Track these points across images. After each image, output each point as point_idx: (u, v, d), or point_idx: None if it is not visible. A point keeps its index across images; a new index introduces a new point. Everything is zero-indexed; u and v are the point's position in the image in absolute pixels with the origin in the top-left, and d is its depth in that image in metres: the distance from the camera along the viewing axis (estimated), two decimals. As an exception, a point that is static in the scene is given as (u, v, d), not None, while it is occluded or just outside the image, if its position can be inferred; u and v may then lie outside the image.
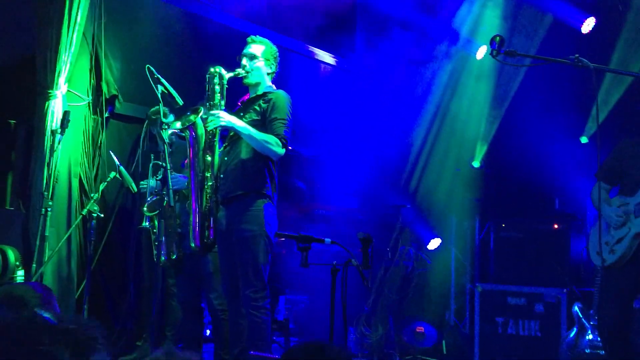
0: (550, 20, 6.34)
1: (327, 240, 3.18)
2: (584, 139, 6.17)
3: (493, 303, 5.35)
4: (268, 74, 3.98)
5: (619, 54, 5.68)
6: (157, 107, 4.70)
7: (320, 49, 7.26)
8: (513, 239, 5.71)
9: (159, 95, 3.61)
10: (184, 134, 3.75)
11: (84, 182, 5.08)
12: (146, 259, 4.96)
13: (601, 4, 6.21)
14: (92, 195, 4.64)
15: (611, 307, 3.78)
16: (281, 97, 3.86)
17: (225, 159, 3.86)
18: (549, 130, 6.11)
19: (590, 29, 6.12)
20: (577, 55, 2.75)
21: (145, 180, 4.70)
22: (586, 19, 6.13)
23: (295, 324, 6.23)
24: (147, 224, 4.42)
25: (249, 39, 4.01)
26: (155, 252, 4.45)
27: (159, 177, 3.62)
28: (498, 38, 2.74)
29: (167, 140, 3.66)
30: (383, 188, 6.56)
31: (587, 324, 4.59)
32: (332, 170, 6.81)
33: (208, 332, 5.34)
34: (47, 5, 4.73)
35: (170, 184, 3.53)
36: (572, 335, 4.66)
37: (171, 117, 4.63)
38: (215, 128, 3.71)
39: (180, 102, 3.76)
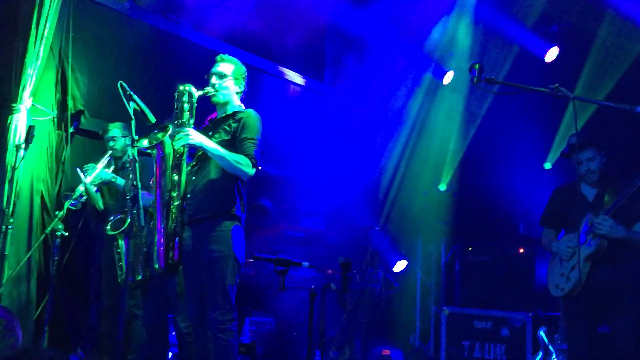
0: (517, 50, 6.49)
1: (305, 263, 3.15)
2: (547, 165, 6.31)
3: (459, 326, 5.37)
4: (237, 93, 3.95)
5: (584, 81, 5.84)
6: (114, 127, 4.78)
7: (290, 69, 7.28)
8: (479, 262, 5.77)
9: (131, 112, 3.54)
10: (150, 152, 3.67)
11: (46, 199, 4.94)
12: (106, 279, 4.83)
13: (565, 34, 6.39)
14: (57, 213, 4.51)
15: (578, 336, 3.95)
16: (252, 116, 3.83)
17: (193, 178, 3.79)
18: (514, 156, 6.23)
19: (554, 58, 6.30)
20: (557, 85, 2.81)
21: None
22: (550, 49, 6.32)
23: (261, 346, 6.14)
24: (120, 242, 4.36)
25: (218, 58, 3.98)
26: (119, 272, 4.35)
27: (129, 195, 3.53)
28: (477, 65, 2.79)
29: (136, 158, 3.57)
30: (352, 210, 6.57)
31: (552, 348, 4.64)
32: (302, 191, 6.79)
33: (170, 354, 5.21)
34: (14, 18, 4.62)
35: (141, 202, 3.45)
36: (537, 359, 4.69)
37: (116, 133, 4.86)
38: (184, 146, 3.64)
39: (153, 119, 3.69)
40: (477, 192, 6.57)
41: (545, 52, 6.32)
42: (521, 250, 5.58)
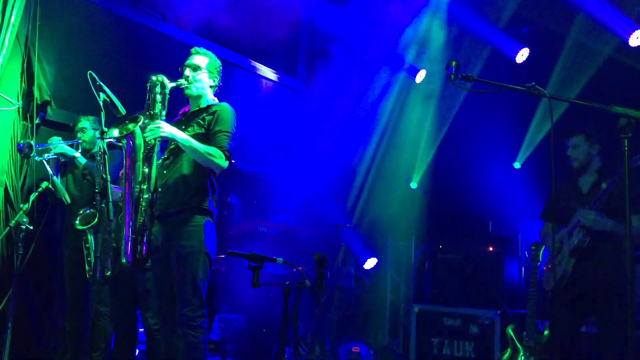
0: (489, 50, 6.55)
1: (279, 259, 3.11)
2: (517, 165, 6.38)
3: (429, 324, 5.40)
4: (211, 86, 3.88)
5: (554, 83, 5.92)
6: (84, 119, 4.70)
7: (263, 64, 7.22)
8: (449, 260, 5.80)
9: (101, 103, 3.44)
10: (120, 144, 3.58)
11: (10, 191, 4.79)
12: (69, 275, 4.71)
13: (535, 36, 6.48)
14: (21, 206, 4.37)
15: (559, 327, 4.01)
16: (226, 110, 3.77)
17: (165, 172, 3.72)
18: (485, 155, 6.29)
19: (524, 59, 6.38)
20: (533, 83, 2.82)
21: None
22: (520, 50, 6.40)
23: (231, 344, 6.08)
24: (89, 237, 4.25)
25: (192, 50, 3.91)
26: (87, 267, 4.24)
27: (97, 189, 3.44)
28: (454, 62, 2.78)
29: (106, 150, 3.48)
30: (324, 207, 6.55)
31: (519, 345, 4.69)
32: (274, 188, 6.74)
33: (137, 351, 5.12)
34: (-21, 4, 4.48)
35: (110, 196, 3.36)
36: (505, 356, 4.74)
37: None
38: (155, 139, 3.56)
39: (123, 110, 3.60)
40: (447, 190, 6.62)
41: (516, 53, 6.39)
42: (490, 249, 5.62)
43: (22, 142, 4.43)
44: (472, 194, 6.18)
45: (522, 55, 6.42)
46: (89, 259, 4.24)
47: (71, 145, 4.70)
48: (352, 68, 6.92)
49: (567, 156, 4.11)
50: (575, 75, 5.83)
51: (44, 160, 4.57)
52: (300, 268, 4.92)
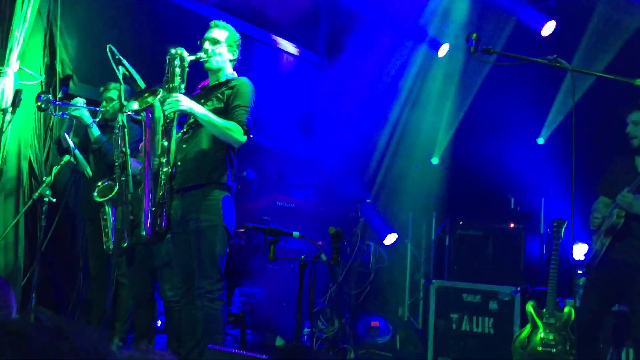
0: (514, 23, 6.41)
1: (296, 233, 3.11)
2: (540, 140, 6.28)
3: (448, 299, 5.39)
4: (230, 60, 3.87)
5: (579, 57, 5.78)
6: (114, 88, 4.61)
7: (284, 39, 7.17)
8: (469, 236, 5.75)
9: (120, 77, 3.45)
10: (139, 116, 3.59)
11: (34, 164, 4.86)
12: (91, 247, 4.78)
13: (562, 8, 6.32)
14: (44, 178, 4.43)
15: (587, 304, 4.03)
16: (245, 84, 3.76)
17: (184, 146, 3.73)
18: (508, 131, 6.19)
19: (551, 32, 6.23)
20: (555, 55, 2.75)
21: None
22: (547, 22, 6.24)
23: (250, 317, 6.15)
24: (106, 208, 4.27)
25: (212, 24, 3.89)
26: (105, 239, 4.29)
27: (117, 162, 3.46)
28: (475, 35, 2.74)
29: (125, 124, 3.50)
30: (344, 182, 6.53)
31: (539, 322, 4.67)
32: (293, 163, 6.74)
33: (159, 322, 5.21)
34: (1, -22, 4.51)
35: (129, 169, 3.38)
36: (524, 333, 4.72)
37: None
38: (174, 112, 3.56)
39: (142, 84, 3.61)
40: (469, 166, 6.53)
41: (542, 25, 6.24)
42: (511, 225, 5.56)
43: (43, 94, 4.38)
44: (494, 170, 6.10)
45: (549, 27, 6.26)
46: (106, 230, 4.29)
47: (92, 114, 4.65)
48: (373, 42, 6.83)
49: (627, 133, 3.99)
50: (602, 48, 5.68)
51: (64, 134, 4.60)
52: (320, 243, 4.95)
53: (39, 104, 4.31)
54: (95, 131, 4.59)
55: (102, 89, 4.80)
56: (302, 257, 2.95)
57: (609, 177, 4.22)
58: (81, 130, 4.76)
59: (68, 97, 5.24)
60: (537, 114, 6.20)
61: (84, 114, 4.55)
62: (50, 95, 4.41)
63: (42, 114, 4.92)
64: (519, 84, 6.16)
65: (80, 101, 4.57)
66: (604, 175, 4.29)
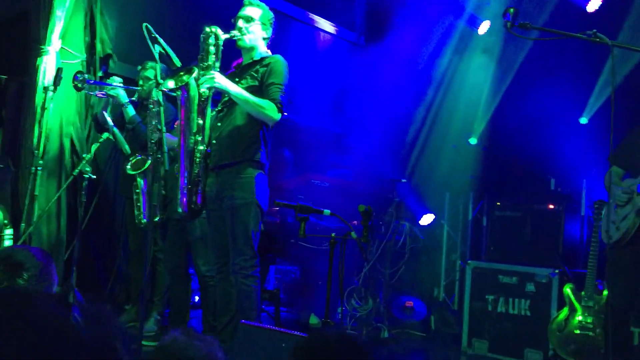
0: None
1: (327, 211, 3.12)
2: (583, 120, 6.11)
3: (484, 281, 5.33)
4: (263, 38, 3.87)
5: (625, 34, 5.59)
6: (151, 68, 4.65)
7: (321, 16, 7.12)
8: (507, 217, 5.67)
9: (156, 56, 3.49)
10: (175, 94, 3.63)
11: (76, 142, 4.98)
12: (131, 223, 4.88)
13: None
14: (84, 155, 4.54)
15: (619, 286, 3.94)
16: (279, 62, 3.77)
17: (219, 124, 3.77)
18: (548, 110, 6.04)
19: (597, 7, 6.02)
20: (594, 30, 2.66)
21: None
22: (592, -2, 6.03)
23: (285, 294, 6.21)
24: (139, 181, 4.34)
25: (245, 2, 3.89)
26: (136, 212, 4.37)
27: (153, 139, 3.51)
28: (512, 10, 2.67)
29: (161, 102, 3.54)
30: (380, 161, 6.49)
31: (577, 305, 4.58)
32: (329, 141, 6.73)
33: (197, 298, 5.31)
34: (42, -41, 4.59)
35: (165, 147, 3.43)
36: (561, 316, 4.65)
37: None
38: (209, 89, 3.59)
39: (178, 63, 3.65)
40: (508, 146, 6.41)
41: (587, 1, 6.04)
42: (551, 207, 5.45)
43: (79, 74, 4.47)
44: (534, 150, 5.98)
45: (594, 3, 6.05)
46: (138, 204, 4.37)
47: (128, 93, 4.72)
48: (410, 19, 6.72)
49: None
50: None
51: (104, 112, 4.69)
52: (355, 222, 4.95)
53: (75, 83, 4.40)
54: (130, 111, 4.67)
55: (139, 67, 4.86)
56: (333, 234, 2.95)
57: (627, 149, 4.08)
58: (117, 110, 4.84)
59: (108, 76, 5.33)
60: (579, 92, 6.03)
61: (120, 93, 4.64)
62: (86, 75, 4.48)
63: (83, 93, 5.02)
64: (561, 61, 5.99)
65: (116, 80, 4.65)
66: (621, 144, 4.15)
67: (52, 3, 4.57)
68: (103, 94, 4.67)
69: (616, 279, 3.96)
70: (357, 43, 7.51)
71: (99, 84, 4.69)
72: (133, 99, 4.73)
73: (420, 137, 6.94)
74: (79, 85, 4.39)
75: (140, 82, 4.79)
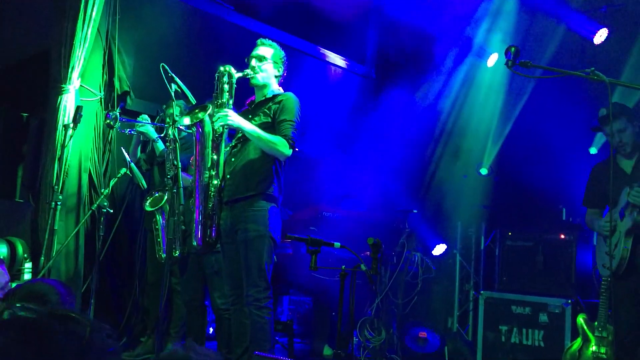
0: (564, 31, 6.32)
1: (337, 244, 3.19)
2: (593, 150, 6.15)
3: (497, 311, 5.34)
4: (275, 76, 4.00)
5: (631, 65, 5.66)
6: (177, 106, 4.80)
7: (332, 51, 7.28)
8: (519, 247, 5.69)
9: (172, 94, 3.63)
10: (190, 131, 3.75)
11: (94, 177, 5.11)
12: (150, 256, 4.98)
13: (614, 16, 6.19)
14: (102, 190, 4.66)
15: (624, 317, 3.99)
16: (291, 99, 3.88)
17: (233, 159, 3.88)
18: (558, 140, 6.10)
19: (603, 40, 6.12)
20: (592, 68, 2.76)
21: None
22: (599, 30, 6.13)
23: (299, 325, 6.24)
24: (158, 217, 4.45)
25: (258, 42, 4.04)
26: (157, 247, 4.46)
27: (169, 175, 3.62)
28: (513, 49, 2.75)
29: (177, 138, 3.66)
30: (391, 192, 6.56)
31: (591, 335, 4.58)
32: (341, 173, 6.81)
33: (211, 330, 5.36)
34: (63, 0, 4.77)
35: (180, 182, 3.54)
36: (575, 346, 4.64)
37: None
38: (223, 127, 3.71)
39: (193, 100, 3.79)
40: (519, 176, 6.45)
41: (594, 33, 6.14)
42: (562, 236, 5.47)
43: (111, 112, 4.60)
44: (545, 180, 6.02)
45: (601, 35, 6.15)
46: (158, 239, 4.46)
47: (156, 129, 4.89)
48: (420, 51, 6.86)
49: (619, 142, 3.99)
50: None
51: (122, 148, 4.82)
52: (367, 253, 5.00)
53: (108, 121, 4.56)
54: (160, 145, 4.85)
55: (164, 106, 5.03)
56: (343, 267, 3.02)
57: (594, 189, 4.24)
58: (148, 145, 5.02)
59: (126, 112, 5.49)
60: (588, 122, 6.08)
61: (149, 129, 4.82)
62: (117, 112, 4.62)
63: (101, 129, 5.18)
64: (570, 92, 6.07)
65: (145, 118, 4.83)
66: (588, 186, 4.33)
67: (73, 43, 4.73)
68: (133, 132, 4.85)
69: (619, 309, 3.99)
70: (368, 76, 7.65)
71: (130, 121, 4.85)
72: (162, 135, 4.87)
73: (431, 168, 7.01)
74: (111, 123, 4.55)
75: (167, 120, 4.92)
